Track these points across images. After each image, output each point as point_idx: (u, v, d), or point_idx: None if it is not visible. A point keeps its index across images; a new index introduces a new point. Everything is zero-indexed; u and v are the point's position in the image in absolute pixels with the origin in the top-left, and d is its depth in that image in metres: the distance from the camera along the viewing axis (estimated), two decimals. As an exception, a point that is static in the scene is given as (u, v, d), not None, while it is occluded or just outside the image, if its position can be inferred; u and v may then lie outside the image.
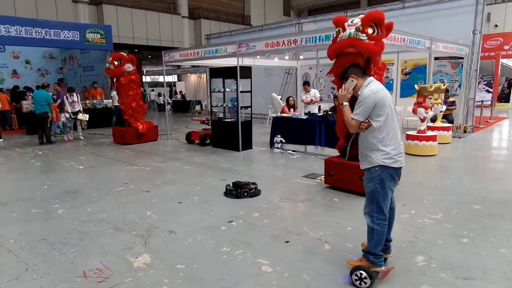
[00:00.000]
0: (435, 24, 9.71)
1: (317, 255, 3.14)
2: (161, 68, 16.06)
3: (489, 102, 14.43)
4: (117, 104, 11.16)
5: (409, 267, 2.90)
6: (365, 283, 2.57)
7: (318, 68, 11.47)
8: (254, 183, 4.91)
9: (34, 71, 16.16)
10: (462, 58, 9.72)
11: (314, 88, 9.39)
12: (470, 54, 9.52)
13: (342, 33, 4.49)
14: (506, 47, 17.08)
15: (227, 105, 8.47)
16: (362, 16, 4.44)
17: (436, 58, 9.84)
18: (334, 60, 4.77)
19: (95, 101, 13.24)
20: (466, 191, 4.92)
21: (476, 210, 4.16)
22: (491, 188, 5.04)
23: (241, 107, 7.99)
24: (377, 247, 2.64)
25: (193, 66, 20.16)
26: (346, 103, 2.69)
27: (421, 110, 7.26)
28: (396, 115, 2.69)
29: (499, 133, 10.65)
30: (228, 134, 8.28)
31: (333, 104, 7.32)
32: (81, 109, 10.55)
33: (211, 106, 8.79)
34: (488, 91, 16.97)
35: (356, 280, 2.61)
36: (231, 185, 4.90)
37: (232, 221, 3.97)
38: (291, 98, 9.08)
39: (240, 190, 4.73)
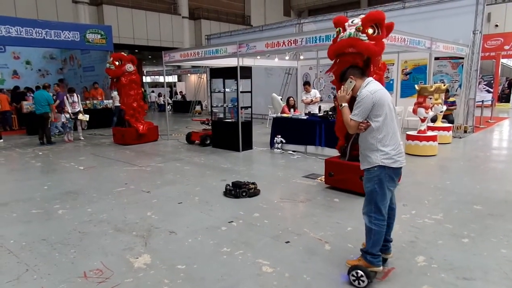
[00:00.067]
0: (435, 24, 9.71)
1: (318, 256, 3.14)
2: (161, 68, 16.08)
3: (490, 102, 14.42)
4: (118, 104, 11.16)
5: (409, 268, 2.89)
6: (362, 282, 2.57)
7: (318, 68, 11.47)
8: (253, 183, 4.91)
9: (35, 71, 16.17)
10: (463, 58, 9.71)
11: (314, 89, 9.38)
12: (470, 54, 9.52)
13: (342, 33, 4.49)
14: (506, 47, 17.06)
15: (227, 106, 8.47)
16: (363, 16, 4.43)
17: (436, 58, 9.84)
18: (334, 60, 4.78)
19: (95, 101, 13.25)
20: (467, 191, 4.92)
21: (477, 210, 4.16)
22: (491, 188, 5.04)
23: (241, 108, 7.99)
24: (375, 247, 2.65)
25: (193, 67, 20.16)
26: (345, 104, 2.71)
27: (421, 110, 7.26)
28: (396, 115, 2.70)
29: (500, 133, 10.65)
30: (228, 135, 8.28)
31: (333, 104, 7.31)
32: (82, 109, 10.56)
33: (211, 106, 8.79)
34: (488, 91, 16.95)
35: (353, 279, 2.62)
36: (230, 185, 4.90)
37: (232, 221, 3.97)
38: (291, 99, 9.08)
39: (239, 190, 4.73)
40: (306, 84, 8.93)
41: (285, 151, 7.83)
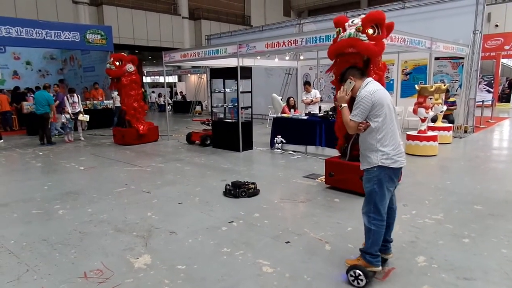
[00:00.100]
0: (436, 24, 9.71)
1: (318, 256, 3.14)
2: (161, 68, 16.07)
3: (490, 102, 14.42)
4: (118, 104, 11.16)
5: (410, 268, 2.89)
6: (361, 281, 2.58)
7: (318, 68, 11.48)
8: (253, 183, 4.91)
9: (35, 72, 16.18)
10: (463, 58, 9.71)
11: (314, 89, 9.38)
12: (470, 54, 9.52)
13: (342, 33, 4.49)
14: (506, 47, 17.06)
15: (227, 106, 8.47)
16: (363, 16, 4.43)
17: (436, 58, 9.84)
18: (334, 60, 4.78)
19: (95, 102, 13.25)
20: (467, 191, 4.92)
21: (477, 211, 4.15)
22: (492, 188, 5.03)
23: (242, 108, 7.99)
24: (374, 247, 2.65)
25: (193, 67, 20.18)
26: (344, 105, 2.72)
27: (421, 110, 7.26)
28: (396, 115, 2.70)
29: (500, 133, 10.64)
30: (228, 135, 8.28)
31: (334, 104, 7.31)
32: (82, 110, 10.57)
33: (212, 106, 8.79)
34: (488, 91, 16.95)
35: (352, 279, 2.63)
36: (230, 184, 4.91)
37: (232, 221, 3.97)
38: (291, 99, 9.08)
39: (238, 190, 4.73)
40: (307, 84, 8.93)
41: (285, 151, 7.83)
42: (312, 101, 8.60)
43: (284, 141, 7.86)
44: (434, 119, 8.60)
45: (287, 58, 12.02)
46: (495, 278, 2.72)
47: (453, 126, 9.09)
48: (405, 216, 3.97)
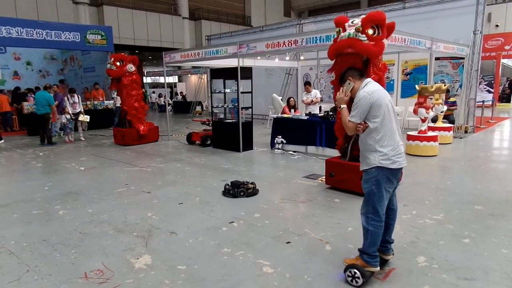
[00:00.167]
0: (436, 24, 9.71)
1: (318, 256, 3.14)
2: (161, 69, 16.08)
3: (490, 102, 14.41)
4: (119, 105, 11.16)
5: (410, 268, 2.89)
6: (358, 280, 2.59)
7: (318, 68, 11.49)
8: (252, 183, 4.91)
9: (35, 72, 16.19)
10: (463, 58, 9.71)
11: (315, 89, 9.38)
12: (471, 54, 9.51)
13: (342, 34, 4.49)
14: (507, 47, 17.04)
15: (227, 106, 8.47)
16: (363, 16, 4.43)
17: (437, 59, 9.83)
18: (334, 60, 4.78)
19: (96, 102, 13.26)
20: (467, 191, 4.91)
21: (478, 211, 4.15)
22: (492, 188, 5.03)
23: (242, 108, 7.99)
24: (371, 248, 2.65)
25: (193, 67, 20.18)
26: (344, 106, 2.73)
27: (422, 111, 7.26)
28: (395, 116, 2.69)
29: (500, 133, 10.64)
30: (229, 135, 8.28)
31: (334, 105, 7.31)
32: (82, 110, 10.58)
33: (212, 107, 8.79)
34: (489, 91, 16.96)
35: (350, 278, 2.64)
36: (229, 184, 4.91)
37: (233, 222, 3.97)
38: (291, 99, 9.08)
39: (237, 190, 4.74)
40: (307, 84, 8.93)
41: (285, 151, 7.83)
42: (312, 101, 8.60)
43: (284, 142, 7.86)
44: (434, 119, 8.60)
45: (287, 58, 12.01)
46: (495, 278, 2.72)
47: (454, 126, 9.08)
48: (406, 216, 3.97)
